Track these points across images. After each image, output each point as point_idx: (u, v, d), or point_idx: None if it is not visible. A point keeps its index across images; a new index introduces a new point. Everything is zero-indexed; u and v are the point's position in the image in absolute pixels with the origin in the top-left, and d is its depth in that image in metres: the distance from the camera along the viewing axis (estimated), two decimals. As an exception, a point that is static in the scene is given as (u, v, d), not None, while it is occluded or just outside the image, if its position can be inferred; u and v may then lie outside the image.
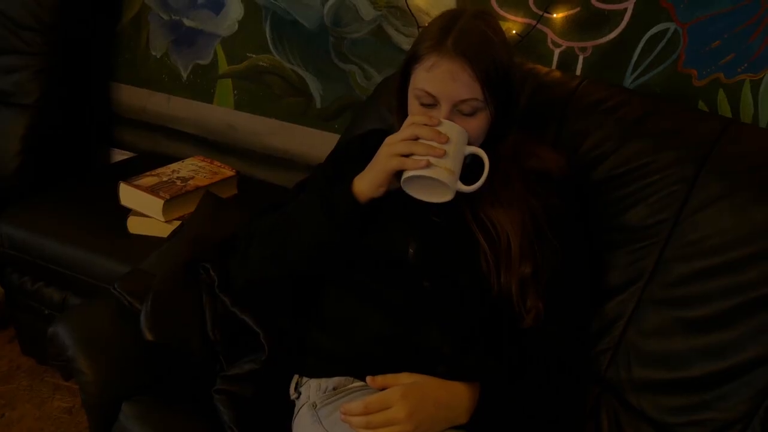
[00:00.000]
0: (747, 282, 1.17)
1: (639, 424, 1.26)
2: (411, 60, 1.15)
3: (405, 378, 1.07)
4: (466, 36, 1.11)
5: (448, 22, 1.14)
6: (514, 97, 1.17)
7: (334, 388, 1.16)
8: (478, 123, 1.14)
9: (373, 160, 1.13)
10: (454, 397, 1.06)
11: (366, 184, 1.13)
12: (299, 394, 1.21)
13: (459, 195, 1.12)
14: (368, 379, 1.08)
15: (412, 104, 1.16)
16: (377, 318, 1.17)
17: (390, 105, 1.55)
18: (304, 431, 1.15)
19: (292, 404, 1.22)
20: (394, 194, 1.14)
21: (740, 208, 1.21)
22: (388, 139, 1.11)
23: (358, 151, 1.30)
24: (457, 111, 1.13)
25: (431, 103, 1.13)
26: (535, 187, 1.18)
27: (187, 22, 2.17)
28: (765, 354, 1.15)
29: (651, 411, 1.24)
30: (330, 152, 1.45)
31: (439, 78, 1.11)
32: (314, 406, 1.15)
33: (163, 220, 1.73)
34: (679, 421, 1.21)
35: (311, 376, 1.20)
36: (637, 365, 1.26)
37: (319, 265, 1.21)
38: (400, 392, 1.03)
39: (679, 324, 1.22)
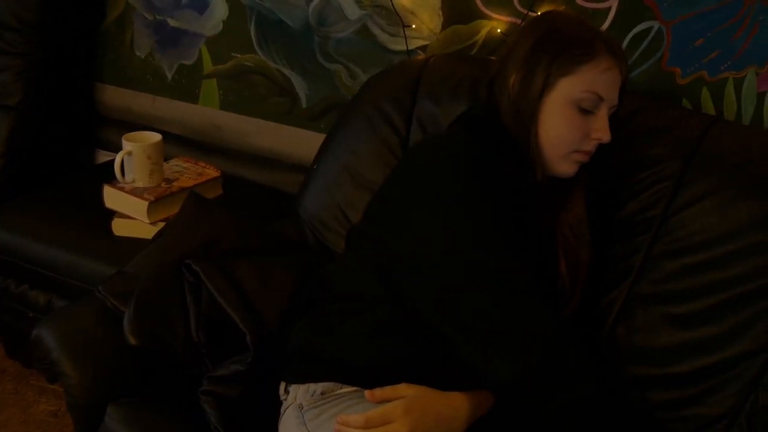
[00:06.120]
0: (732, 278, 1.18)
1: (627, 421, 1.26)
2: (566, 62, 1.12)
3: (404, 390, 1.03)
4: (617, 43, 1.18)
5: (590, 27, 1.17)
6: None
7: (322, 393, 1.14)
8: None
9: None
10: (454, 409, 1.05)
11: None
12: (288, 394, 1.20)
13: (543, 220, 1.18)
14: (367, 393, 1.04)
15: (570, 110, 1.13)
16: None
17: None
18: (288, 432, 1.14)
19: (280, 405, 1.21)
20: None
21: (725, 204, 1.22)
22: None
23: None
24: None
25: (591, 108, 1.13)
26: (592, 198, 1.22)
27: (171, 22, 2.16)
28: (750, 349, 1.16)
29: (639, 407, 1.25)
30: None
31: (612, 81, 1.13)
32: (300, 407, 1.14)
33: (147, 221, 1.72)
34: (668, 417, 1.22)
35: (297, 382, 1.17)
36: (626, 361, 1.26)
37: None
38: (403, 407, 1.01)
39: (667, 320, 1.23)
